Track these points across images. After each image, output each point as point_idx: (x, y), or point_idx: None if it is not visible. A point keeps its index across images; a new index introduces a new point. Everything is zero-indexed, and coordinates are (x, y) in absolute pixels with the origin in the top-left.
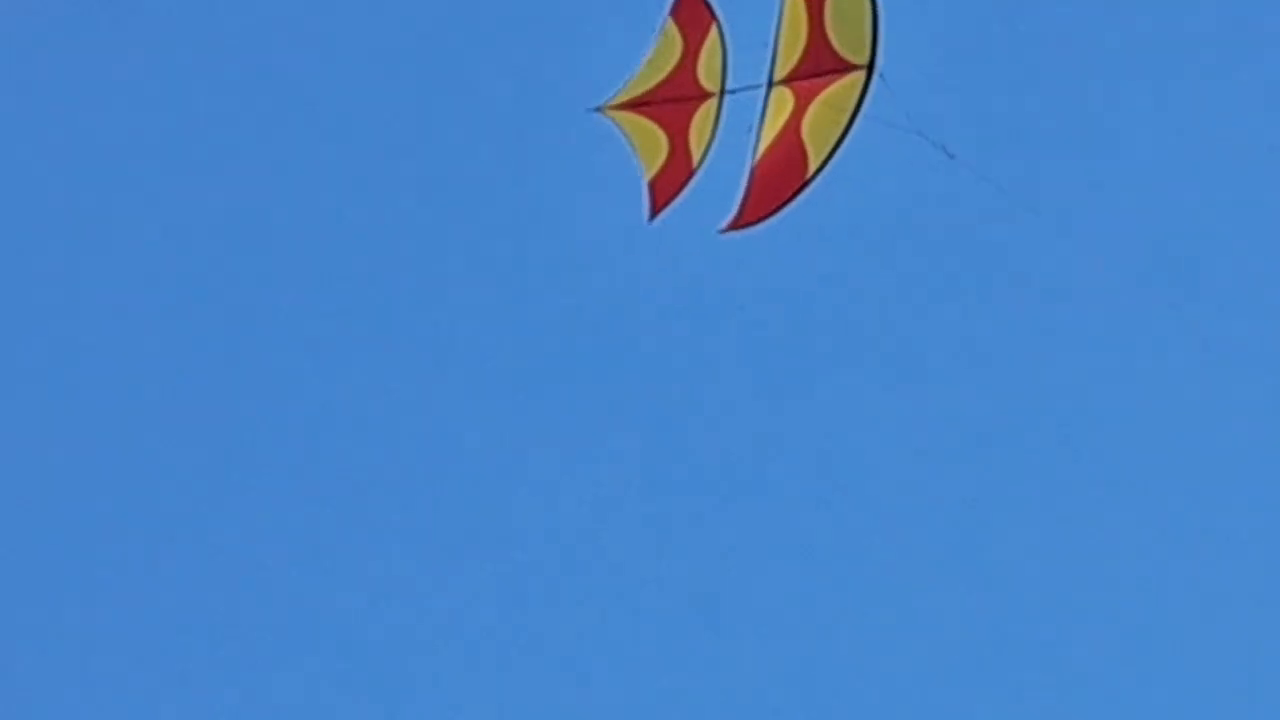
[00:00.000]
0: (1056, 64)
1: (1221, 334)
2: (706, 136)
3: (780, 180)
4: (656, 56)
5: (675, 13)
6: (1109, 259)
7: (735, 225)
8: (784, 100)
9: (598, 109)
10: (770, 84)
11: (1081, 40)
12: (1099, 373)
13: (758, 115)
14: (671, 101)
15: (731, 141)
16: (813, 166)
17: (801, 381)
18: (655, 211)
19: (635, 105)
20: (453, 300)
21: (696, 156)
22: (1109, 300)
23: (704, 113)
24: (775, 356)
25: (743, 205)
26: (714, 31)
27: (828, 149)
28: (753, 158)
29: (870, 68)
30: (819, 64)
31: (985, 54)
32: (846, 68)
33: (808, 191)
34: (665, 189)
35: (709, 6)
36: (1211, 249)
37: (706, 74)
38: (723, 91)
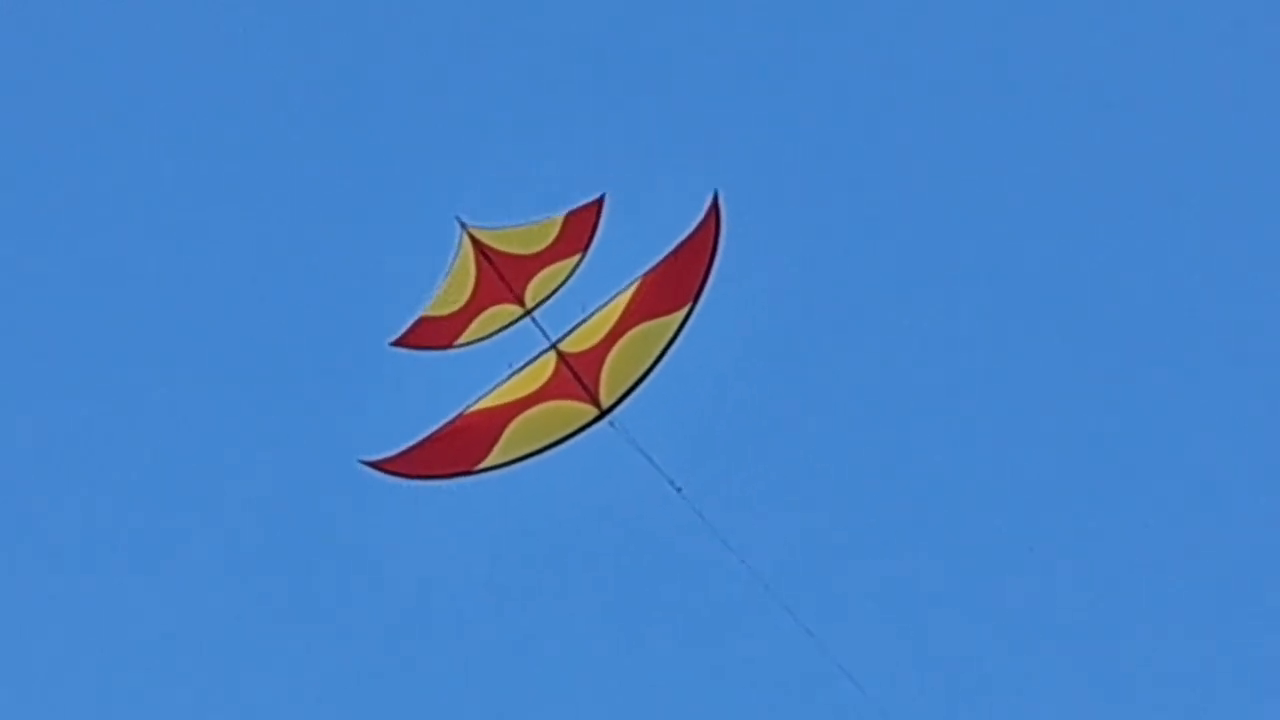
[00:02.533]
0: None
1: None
2: (486, 332)
3: (454, 453)
4: (528, 233)
5: (572, 214)
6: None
7: (383, 466)
8: (544, 368)
9: (463, 224)
10: (553, 345)
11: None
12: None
13: (523, 363)
14: (500, 279)
15: (494, 354)
16: (488, 462)
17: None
18: (399, 342)
19: (481, 248)
20: None
21: (466, 338)
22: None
23: (502, 312)
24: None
25: (407, 452)
26: (575, 258)
27: (512, 455)
28: (470, 405)
29: (605, 412)
30: (585, 371)
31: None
32: (590, 398)
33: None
34: (423, 336)
35: (592, 235)
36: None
37: (538, 285)
38: (530, 311)
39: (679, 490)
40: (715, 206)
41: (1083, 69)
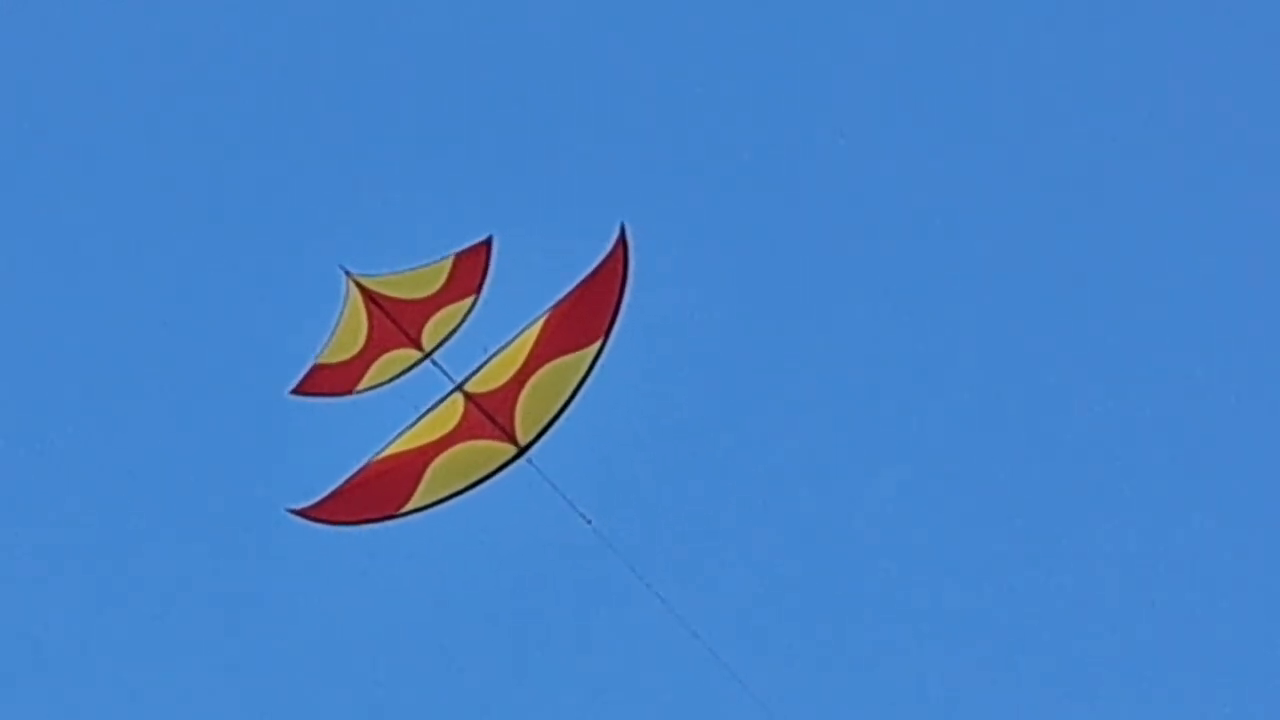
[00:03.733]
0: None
1: None
2: (387, 376)
3: (377, 497)
4: (417, 278)
5: (460, 256)
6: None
7: (308, 514)
8: (454, 410)
9: (347, 272)
10: (458, 387)
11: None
12: None
13: (429, 405)
14: (393, 324)
15: (399, 400)
16: (413, 504)
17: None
18: (298, 389)
19: (370, 296)
20: None
21: (365, 384)
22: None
23: (401, 356)
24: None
25: (326, 499)
26: (469, 300)
27: (436, 497)
28: (382, 450)
29: (524, 450)
30: (496, 410)
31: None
32: (506, 437)
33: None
34: (321, 382)
35: (484, 276)
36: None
37: (434, 328)
38: (429, 354)
39: (589, 523)
40: (623, 238)
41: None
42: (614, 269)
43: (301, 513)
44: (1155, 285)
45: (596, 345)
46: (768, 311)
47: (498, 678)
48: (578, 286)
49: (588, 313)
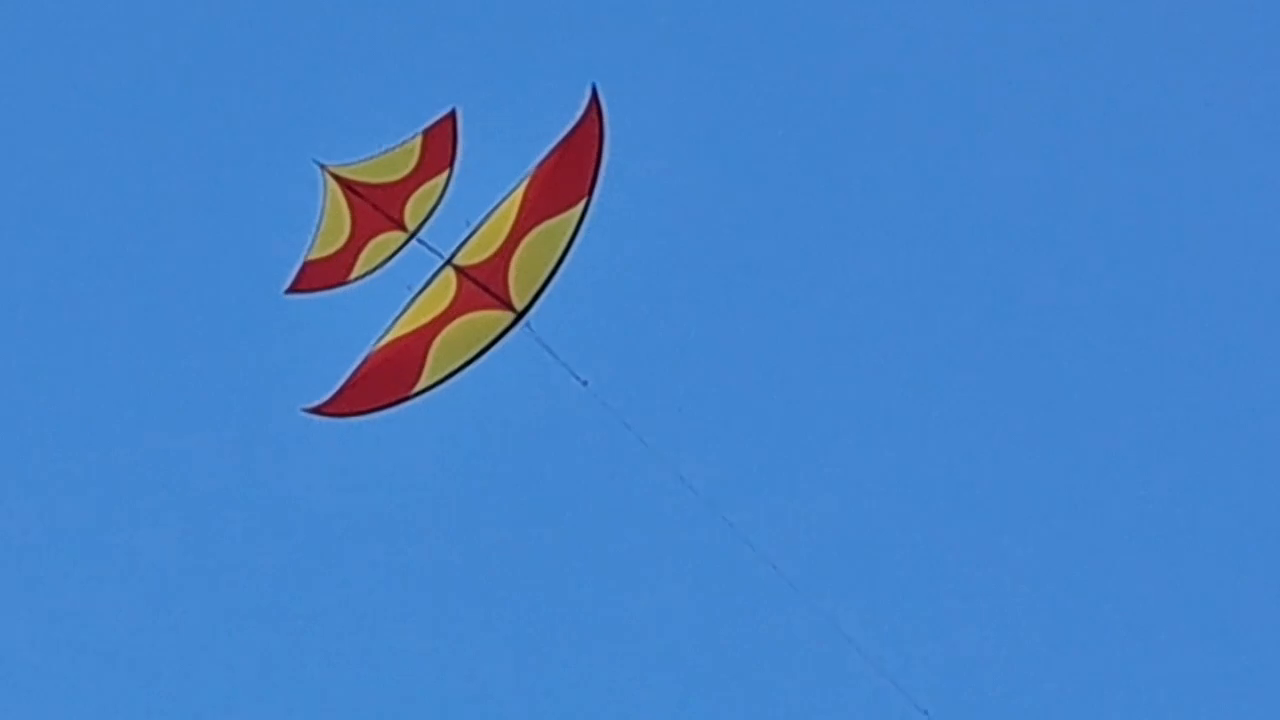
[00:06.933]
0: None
1: None
2: (377, 261)
3: (386, 382)
4: (389, 161)
5: (428, 132)
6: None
7: (323, 410)
8: (447, 286)
9: (322, 165)
10: (448, 262)
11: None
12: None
13: (421, 283)
14: (375, 209)
15: (392, 283)
16: (422, 384)
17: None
18: (293, 288)
19: (347, 185)
20: None
21: (357, 272)
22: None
23: (387, 240)
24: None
25: (338, 393)
26: (445, 174)
27: (444, 373)
28: (382, 336)
29: (521, 315)
30: (489, 280)
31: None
32: (503, 304)
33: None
34: (313, 278)
35: (454, 149)
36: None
37: (414, 207)
38: (414, 233)
39: (585, 384)
40: (595, 100)
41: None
42: (589, 130)
43: (316, 410)
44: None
45: (581, 205)
46: (746, 166)
47: (513, 548)
48: (554, 151)
49: (568, 175)
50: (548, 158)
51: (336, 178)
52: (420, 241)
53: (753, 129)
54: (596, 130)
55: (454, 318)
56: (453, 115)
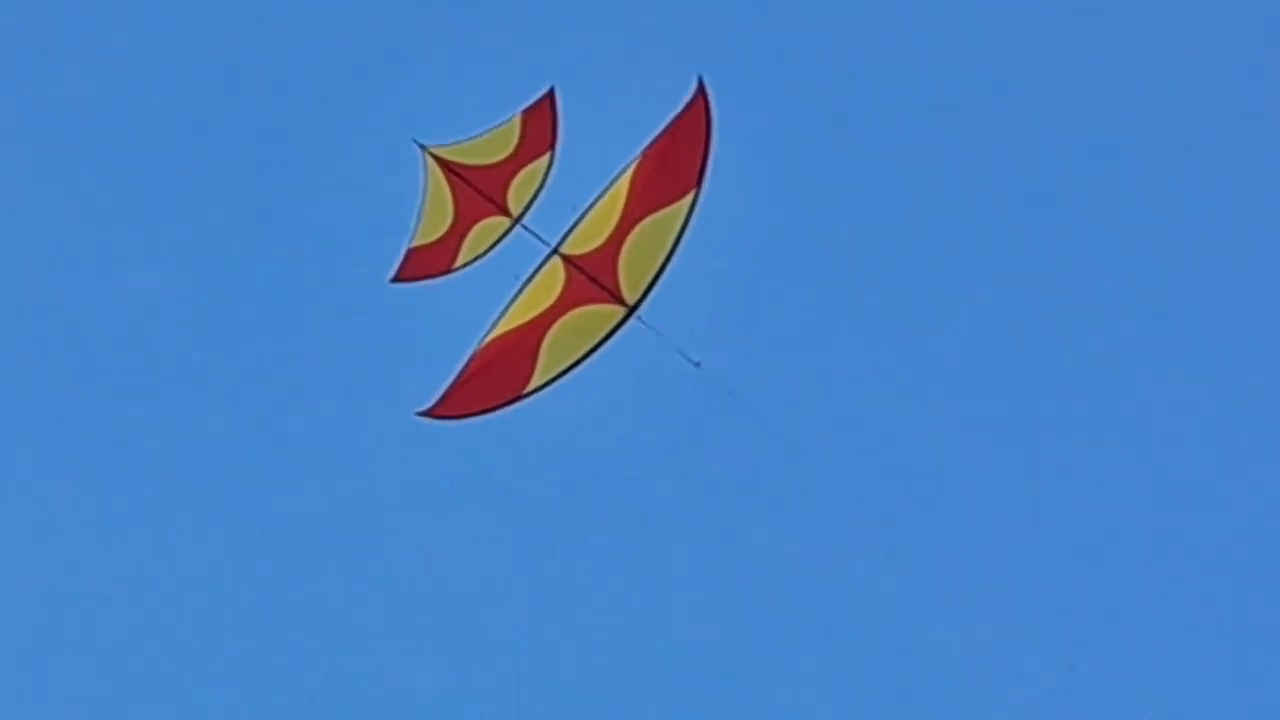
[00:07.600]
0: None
1: None
2: (482, 248)
3: (498, 381)
4: (489, 142)
5: (526, 113)
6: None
7: (433, 414)
8: (555, 276)
9: (422, 146)
10: (555, 250)
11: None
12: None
13: (529, 273)
14: (478, 193)
15: (498, 270)
16: (534, 384)
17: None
18: (398, 278)
19: (448, 167)
20: None
21: (462, 259)
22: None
23: (492, 225)
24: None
25: (449, 393)
26: (546, 157)
27: (557, 370)
28: (491, 329)
29: (633, 309)
30: (599, 272)
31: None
32: (614, 298)
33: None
34: (418, 266)
35: (554, 130)
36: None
37: (517, 191)
38: (518, 219)
39: (697, 365)
40: (701, 89)
41: None
42: (696, 118)
43: (428, 413)
44: None
45: (690, 197)
46: (851, 153)
47: (639, 532)
48: (659, 139)
49: (676, 166)
50: (653, 145)
51: (438, 159)
52: (525, 228)
53: (856, 121)
54: (704, 121)
55: (564, 311)
56: (551, 94)
